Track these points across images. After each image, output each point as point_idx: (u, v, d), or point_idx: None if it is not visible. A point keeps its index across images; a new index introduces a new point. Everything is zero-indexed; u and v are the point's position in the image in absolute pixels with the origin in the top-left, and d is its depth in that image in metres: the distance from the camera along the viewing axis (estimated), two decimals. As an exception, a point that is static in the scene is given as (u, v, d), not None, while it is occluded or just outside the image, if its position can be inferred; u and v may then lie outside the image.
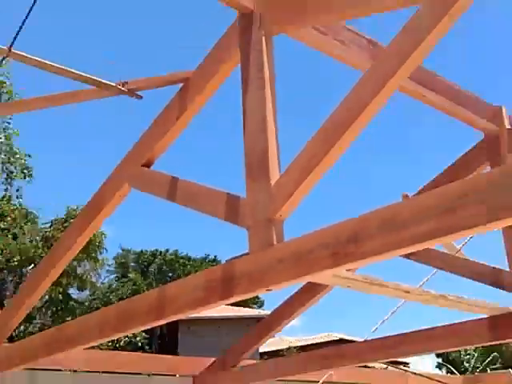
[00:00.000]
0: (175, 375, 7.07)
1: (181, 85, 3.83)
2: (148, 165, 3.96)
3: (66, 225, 21.95)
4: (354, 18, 3.04)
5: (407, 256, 5.48)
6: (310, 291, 6.02)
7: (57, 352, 4.26)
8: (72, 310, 27.31)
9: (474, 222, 2.13)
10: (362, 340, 5.70)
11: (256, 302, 34.91)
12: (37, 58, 3.34)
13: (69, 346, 4.17)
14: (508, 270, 4.68)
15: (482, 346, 33.85)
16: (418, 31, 2.46)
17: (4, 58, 3.20)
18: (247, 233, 3.02)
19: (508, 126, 4.83)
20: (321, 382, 7.50)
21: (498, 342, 4.68)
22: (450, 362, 30.87)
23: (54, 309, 27.60)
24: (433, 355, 34.21)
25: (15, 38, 2.97)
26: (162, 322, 3.46)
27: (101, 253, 25.94)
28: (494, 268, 4.84)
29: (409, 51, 2.49)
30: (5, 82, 19.15)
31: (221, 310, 25.24)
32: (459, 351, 30.84)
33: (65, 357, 5.74)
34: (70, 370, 6.30)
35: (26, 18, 2.74)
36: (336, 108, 2.75)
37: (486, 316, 4.63)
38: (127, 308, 3.76)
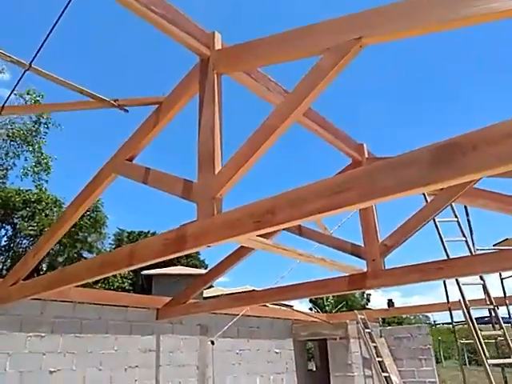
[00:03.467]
0: (145, 307, 6.72)
1: (156, 106, 3.51)
2: (130, 159, 3.67)
3: None
4: (275, 64, 2.86)
5: (299, 233, 5.39)
6: (235, 256, 5.83)
7: (58, 287, 3.95)
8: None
9: (351, 201, 1.96)
10: (267, 288, 5.49)
11: (204, 266, 34.92)
12: (51, 74, 2.96)
13: (66, 283, 3.81)
14: (363, 245, 4.63)
15: (338, 296, 34.99)
16: (315, 78, 2.33)
17: (25, 71, 2.77)
18: (196, 206, 2.76)
19: (366, 156, 4.79)
20: (239, 315, 7.32)
21: (351, 292, 4.61)
22: (317, 305, 31.68)
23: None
24: (307, 301, 35.21)
25: (36, 55, 2.58)
26: (132, 267, 3.16)
27: (103, 229, 24.69)
28: (353, 244, 4.80)
29: (305, 94, 2.50)
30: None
31: (180, 269, 25.13)
32: (322, 299, 31.67)
33: (68, 293, 5.43)
34: (71, 301, 5.84)
35: (47, 37, 2.37)
36: (258, 127, 2.63)
37: (346, 274, 4.55)
38: (107, 258, 3.53)
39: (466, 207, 6.26)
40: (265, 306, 8.99)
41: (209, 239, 2.71)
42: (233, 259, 6.15)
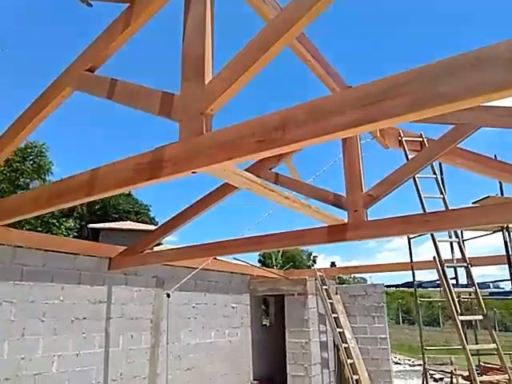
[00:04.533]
0: (96, 256, 6.08)
1: (127, 5, 2.82)
2: (92, 70, 2.96)
3: (24, 152, 18.83)
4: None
5: (275, 181, 4.99)
6: (192, 210, 5.40)
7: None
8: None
9: (397, 111, 1.51)
10: (238, 238, 5.09)
11: (154, 224, 34.13)
12: None
13: (3, 218, 3.08)
14: (345, 195, 4.31)
15: (286, 256, 35.89)
16: None
17: None
18: (178, 126, 2.21)
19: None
20: (200, 267, 6.93)
21: (329, 244, 4.33)
22: (265, 264, 32.37)
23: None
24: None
25: None
26: (92, 198, 2.57)
27: (48, 176, 22.72)
28: (335, 194, 4.47)
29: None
30: None
31: (130, 224, 24.27)
32: (271, 258, 32.36)
33: (6, 234, 4.66)
34: (10, 245, 5.12)
35: None
36: (265, 26, 2.07)
37: (326, 225, 4.23)
38: (60, 186, 2.88)
39: (440, 165, 6.14)
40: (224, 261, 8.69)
41: (194, 163, 2.20)
42: (190, 213, 5.67)
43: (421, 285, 6.58)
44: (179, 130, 2.34)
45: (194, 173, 2.27)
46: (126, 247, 6.44)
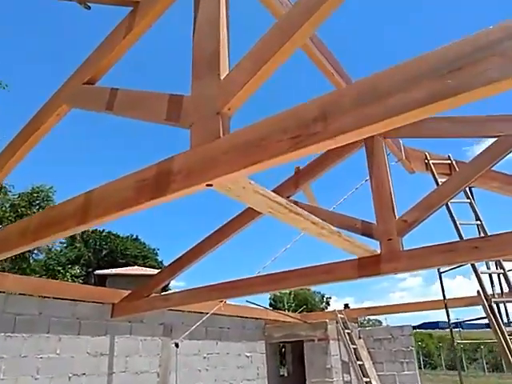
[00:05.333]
0: (98, 302, 5.56)
1: (130, 8, 2.51)
2: (92, 82, 2.60)
3: (30, 197, 18.59)
4: None
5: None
6: (199, 249, 4.94)
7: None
8: (29, 261, 23.02)
9: (488, 78, 1.04)
10: (254, 275, 4.56)
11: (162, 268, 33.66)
12: None
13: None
14: (375, 222, 3.82)
15: (298, 300, 34.66)
16: None
17: None
18: (189, 131, 1.79)
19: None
20: (211, 312, 6.32)
21: (364, 278, 3.78)
22: (277, 308, 31.22)
23: (14, 256, 23.28)
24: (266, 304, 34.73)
25: None
26: (86, 226, 2.11)
27: None
28: (364, 221, 3.98)
29: None
30: None
31: (137, 269, 23.75)
32: (282, 302, 31.38)
33: (3, 281, 4.22)
34: (3, 292, 4.66)
35: None
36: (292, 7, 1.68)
37: (355, 257, 3.72)
38: (50, 214, 2.39)
39: (470, 189, 5.66)
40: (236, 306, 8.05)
41: (209, 174, 1.76)
42: (199, 250, 5.19)
43: (458, 325, 5.87)
44: (190, 136, 1.93)
45: (208, 186, 1.82)
46: (130, 291, 5.91)
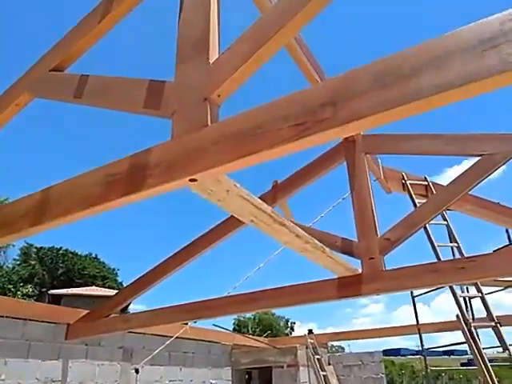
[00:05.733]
0: (51, 322, 5.04)
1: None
2: (59, 70, 2.31)
3: None
4: None
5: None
6: (163, 268, 4.66)
7: None
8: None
9: None
10: (224, 295, 4.26)
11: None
12: None
13: None
14: (356, 240, 3.66)
15: (262, 324, 33.90)
16: None
17: None
18: (171, 120, 1.55)
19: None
20: (176, 335, 5.90)
21: (343, 299, 3.58)
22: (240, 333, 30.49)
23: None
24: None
25: None
26: (42, 227, 1.80)
27: None
28: (344, 238, 3.80)
29: None
30: None
31: (95, 289, 22.63)
32: (247, 326, 30.57)
33: None
34: None
35: None
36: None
37: (335, 277, 3.52)
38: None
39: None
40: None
41: (194, 166, 1.52)
42: (165, 268, 4.84)
43: (421, 352, 5.71)
44: (172, 126, 1.68)
45: (192, 181, 1.57)
46: (87, 311, 5.41)
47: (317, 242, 2.87)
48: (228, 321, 38.54)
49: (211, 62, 1.68)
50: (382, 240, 3.63)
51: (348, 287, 3.61)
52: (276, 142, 1.36)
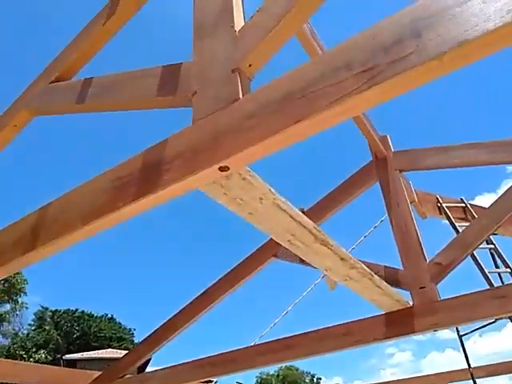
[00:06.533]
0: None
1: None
2: (62, 79, 2.05)
3: None
4: None
5: (301, 261, 3.86)
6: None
7: None
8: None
9: None
10: (251, 345, 3.72)
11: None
12: None
13: None
14: (401, 268, 3.19)
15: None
16: None
17: None
18: (192, 103, 1.21)
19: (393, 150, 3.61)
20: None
21: (393, 339, 3.05)
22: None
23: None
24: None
25: None
26: (34, 255, 1.43)
27: (20, 296, 20.32)
28: (387, 266, 3.33)
29: None
30: None
31: (110, 352, 21.68)
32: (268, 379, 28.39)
33: None
34: None
35: None
36: None
37: (382, 313, 3.03)
38: None
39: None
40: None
41: (226, 148, 1.15)
42: (183, 318, 4.35)
43: None
44: (193, 108, 1.34)
45: (223, 170, 1.20)
46: (101, 372, 4.85)
47: (365, 267, 2.42)
48: (250, 378, 36.26)
49: (237, 30, 1.38)
50: (432, 265, 3.15)
51: (398, 324, 3.07)
52: (336, 97, 1.00)
